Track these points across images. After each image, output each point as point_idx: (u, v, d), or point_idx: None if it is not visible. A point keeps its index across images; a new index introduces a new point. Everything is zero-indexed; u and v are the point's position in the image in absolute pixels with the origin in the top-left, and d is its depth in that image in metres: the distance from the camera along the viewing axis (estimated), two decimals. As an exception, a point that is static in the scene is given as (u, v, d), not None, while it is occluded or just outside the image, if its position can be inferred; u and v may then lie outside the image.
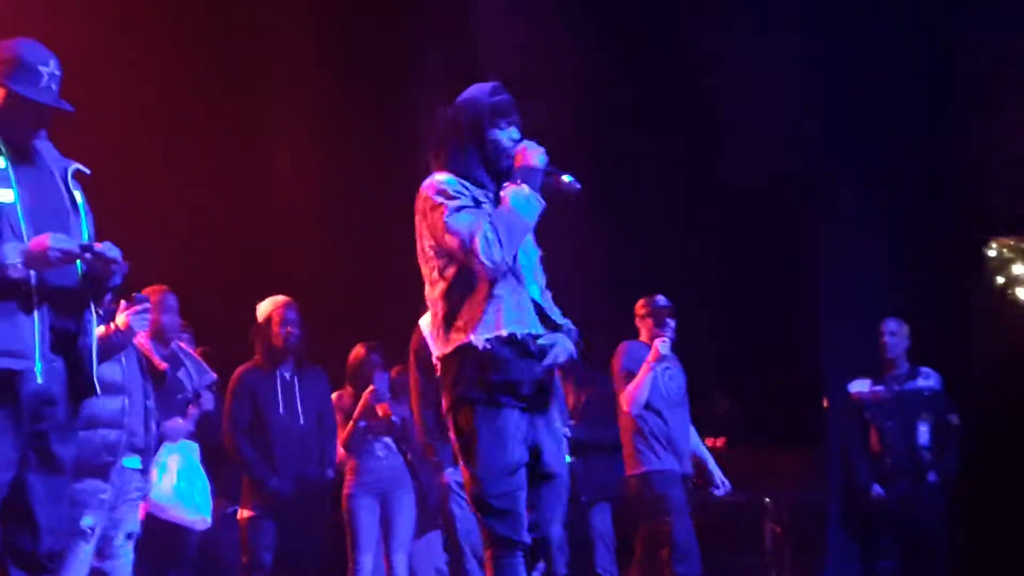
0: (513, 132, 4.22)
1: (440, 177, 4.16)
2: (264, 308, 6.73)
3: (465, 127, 4.21)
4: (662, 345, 6.96)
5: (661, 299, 7.17)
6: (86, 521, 5.35)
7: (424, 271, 4.23)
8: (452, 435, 4.19)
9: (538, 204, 4.11)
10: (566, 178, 4.19)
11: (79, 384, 4.08)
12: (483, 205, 4.13)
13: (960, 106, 8.77)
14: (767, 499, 7.64)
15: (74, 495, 5.27)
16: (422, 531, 7.33)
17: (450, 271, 4.13)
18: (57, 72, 4.09)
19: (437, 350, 4.19)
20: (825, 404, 8.77)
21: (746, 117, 8.67)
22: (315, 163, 8.82)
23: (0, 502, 3.94)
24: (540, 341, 4.15)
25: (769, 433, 7.16)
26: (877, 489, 7.36)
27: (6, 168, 3.98)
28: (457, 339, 4.10)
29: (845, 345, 8.56)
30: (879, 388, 7.46)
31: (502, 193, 4.12)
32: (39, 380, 3.95)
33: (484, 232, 4.03)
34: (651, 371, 6.95)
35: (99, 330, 5.13)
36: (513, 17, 9.45)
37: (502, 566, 4.09)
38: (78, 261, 4.01)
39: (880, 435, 7.42)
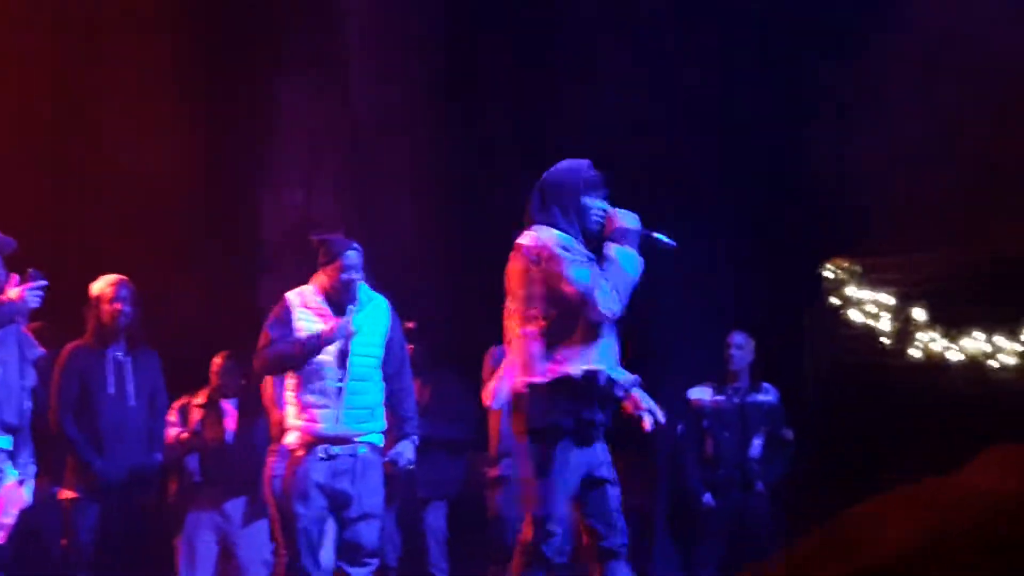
0: (600, 202, 4.84)
1: (555, 233, 4.75)
2: (97, 286, 6.61)
3: (566, 193, 4.81)
4: None
5: None
6: None
7: (513, 307, 4.80)
8: (524, 453, 4.76)
9: (640, 262, 4.73)
10: (659, 236, 4.83)
11: None
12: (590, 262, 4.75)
13: (807, 127, 8.97)
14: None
15: None
16: (249, 520, 7.24)
17: (550, 312, 4.69)
18: None
19: (526, 378, 4.73)
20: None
21: (592, 125, 8.76)
22: (173, 144, 8.62)
23: None
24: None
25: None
26: (708, 498, 7.47)
27: None
28: (556, 371, 4.67)
29: (678, 352, 8.67)
30: (720, 398, 7.60)
31: (606, 252, 4.73)
32: None
33: (603, 287, 4.62)
34: None
35: None
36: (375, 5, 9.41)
37: (609, 567, 4.80)
38: None
39: (715, 444, 7.54)
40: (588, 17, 9.13)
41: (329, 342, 5.73)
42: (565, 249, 4.72)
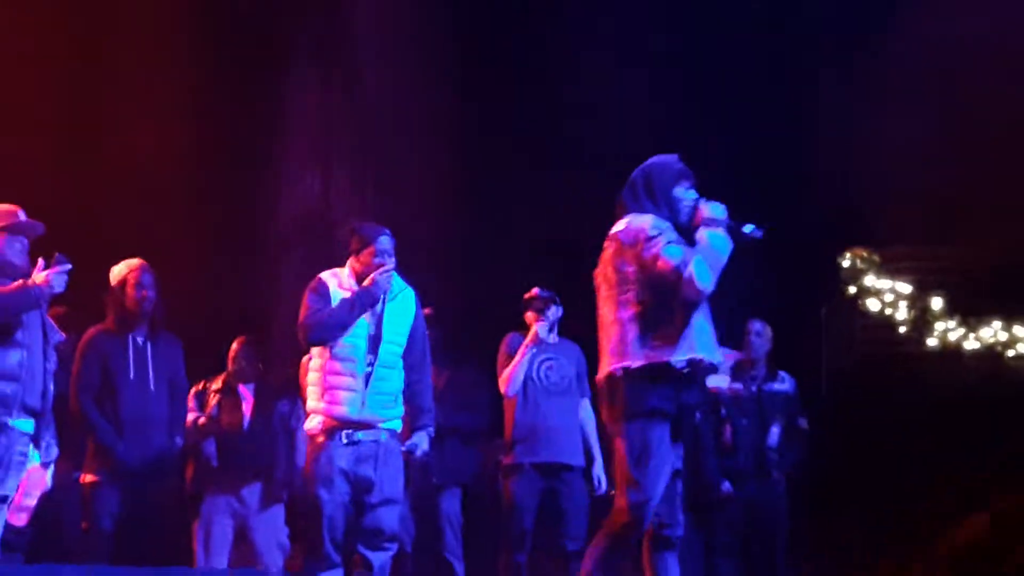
0: (691, 193, 4.97)
1: (649, 217, 4.86)
2: (118, 271, 6.57)
3: (656, 185, 4.95)
4: (541, 328, 7.09)
5: (538, 291, 7.29)
6: None
7: (607, 292, 4.91)
8: (620, 437, 4.82)
9: (730, 244, 4.79)
10: (747, 228, 4.91)
11: None
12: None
13: (822, 117, 8.97)
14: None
15: None
16: (266, 504, 7.25)
17: (646, 297, 4.79)
18: None
19: (622, 363, 4.80)
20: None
21: (603, 116, 8.77)
22: (187, 133, 8.64)
23: None
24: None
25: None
26: (726, 485, 7.46)
27: None
28: (654, 356, 4.75)
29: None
30: (738, 386, 7.59)
31: (698, 236, 4.82)
32: None
33: (698, 261, 4.71)
34: (526, 353, 7.09)
35: (15, 283, 5.10)
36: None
37: (662, 557, 4.96)
38: None
39: (733, 432, 7.53)
40: (595, 11, 9.14)
41: (373, 297, 5.77)
42: (658, 230, 4.82)
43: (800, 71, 9.03)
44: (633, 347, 4.81)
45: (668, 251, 4.77)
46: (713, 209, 4.90)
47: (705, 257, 4.74)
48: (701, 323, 4.85)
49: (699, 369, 4.84)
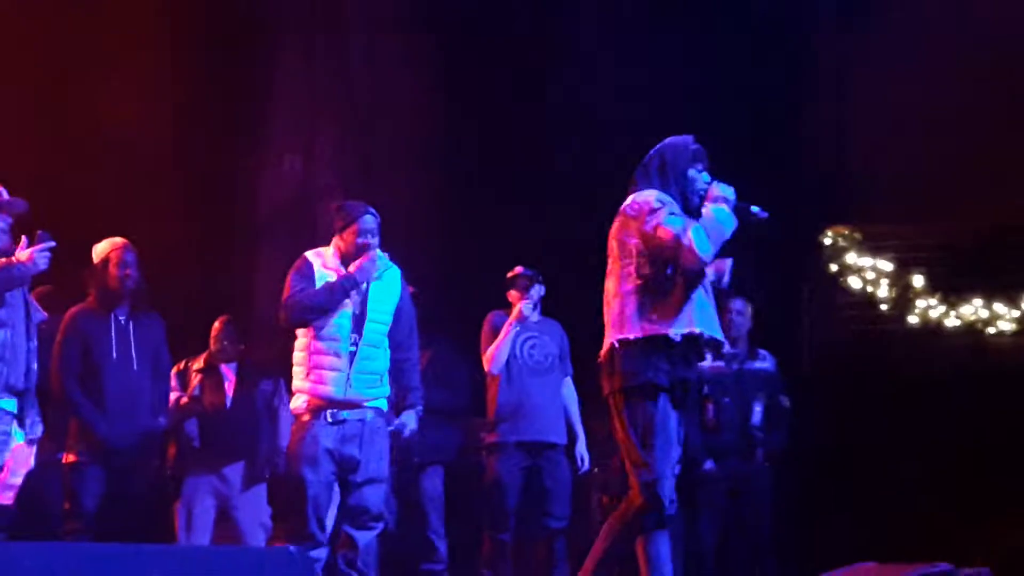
0: (705, 176, 5.00)
1: (654, 192, 4.91)
2: (101, 249, 6.56)
3: (669, 165, 4.97)
4: (525, 306, 7.12)
5: (521, 269, 7.32)
6: None
7: (611, 266, 4.95)
8: (622, 416, 4.83)
9: (734, 221, 4.83)
10: (753, 208, 4.98)
11: None
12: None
13: (805, 95, 8.99)
14: (595, 469, 7.73)
15: None
16: (248, 484, 7.26)
17: (647, 270, 4.82)
18: None
19: (620, 335, 4.82)
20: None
21: (591, 103, 8.76)
22: (171, 109, 8.60)
23: None
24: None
25: (600, 403, 7.22)
26: (710, 464, 7.48)
27: None
28: (651, 329, 4.77)
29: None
30: (719, 364, 7.59)
31: (703, 210, 4.87)
32: None
33: (697, 229, 4.74)
34: (510, 332, 7.12)
35: None
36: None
37: (653, 537, 4.85)
38: None
39: (716, 410, 7.55)
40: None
41: (356, 283, 5.76)
42: (661, 203, 4.86)
43: (788, 54, 9.03)
44: (632, 320, 4.83)
45: (669, 221, 4.80)
46: (723, 189, 4.94)
47: (706, 227, 4.78)
48: (701, 299, 4.87)
49: (698, 343, 4.86)
